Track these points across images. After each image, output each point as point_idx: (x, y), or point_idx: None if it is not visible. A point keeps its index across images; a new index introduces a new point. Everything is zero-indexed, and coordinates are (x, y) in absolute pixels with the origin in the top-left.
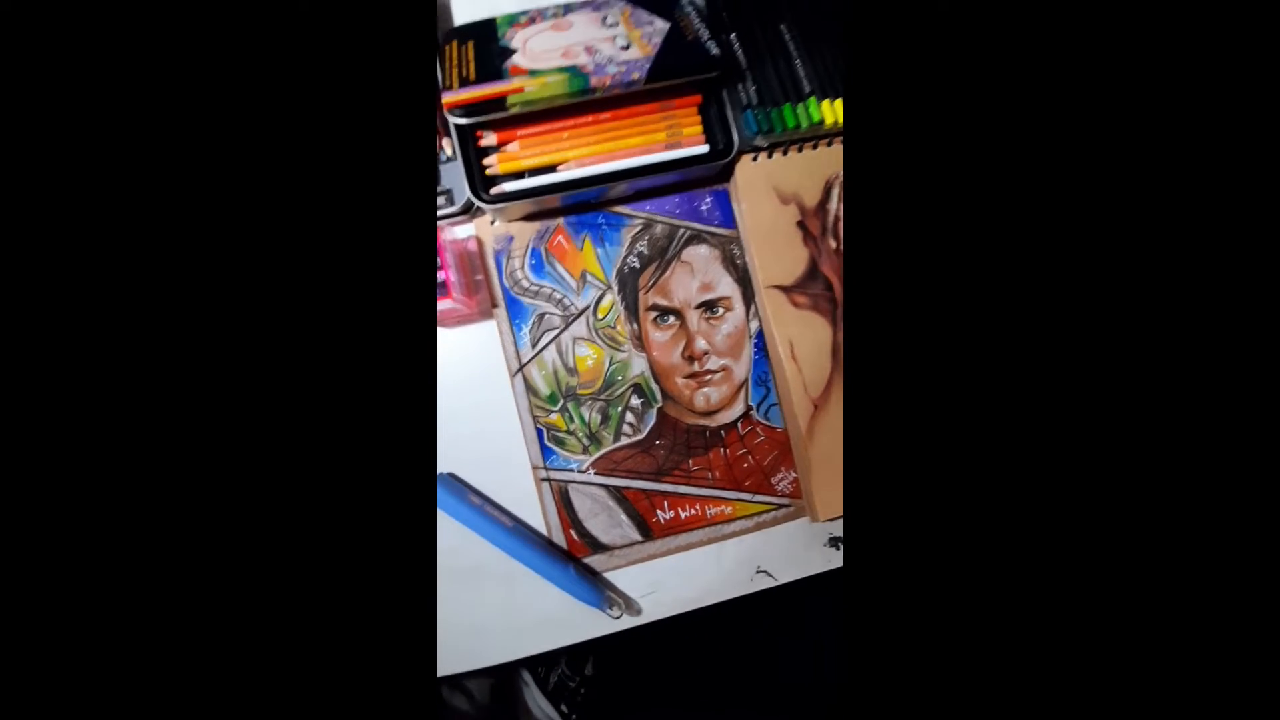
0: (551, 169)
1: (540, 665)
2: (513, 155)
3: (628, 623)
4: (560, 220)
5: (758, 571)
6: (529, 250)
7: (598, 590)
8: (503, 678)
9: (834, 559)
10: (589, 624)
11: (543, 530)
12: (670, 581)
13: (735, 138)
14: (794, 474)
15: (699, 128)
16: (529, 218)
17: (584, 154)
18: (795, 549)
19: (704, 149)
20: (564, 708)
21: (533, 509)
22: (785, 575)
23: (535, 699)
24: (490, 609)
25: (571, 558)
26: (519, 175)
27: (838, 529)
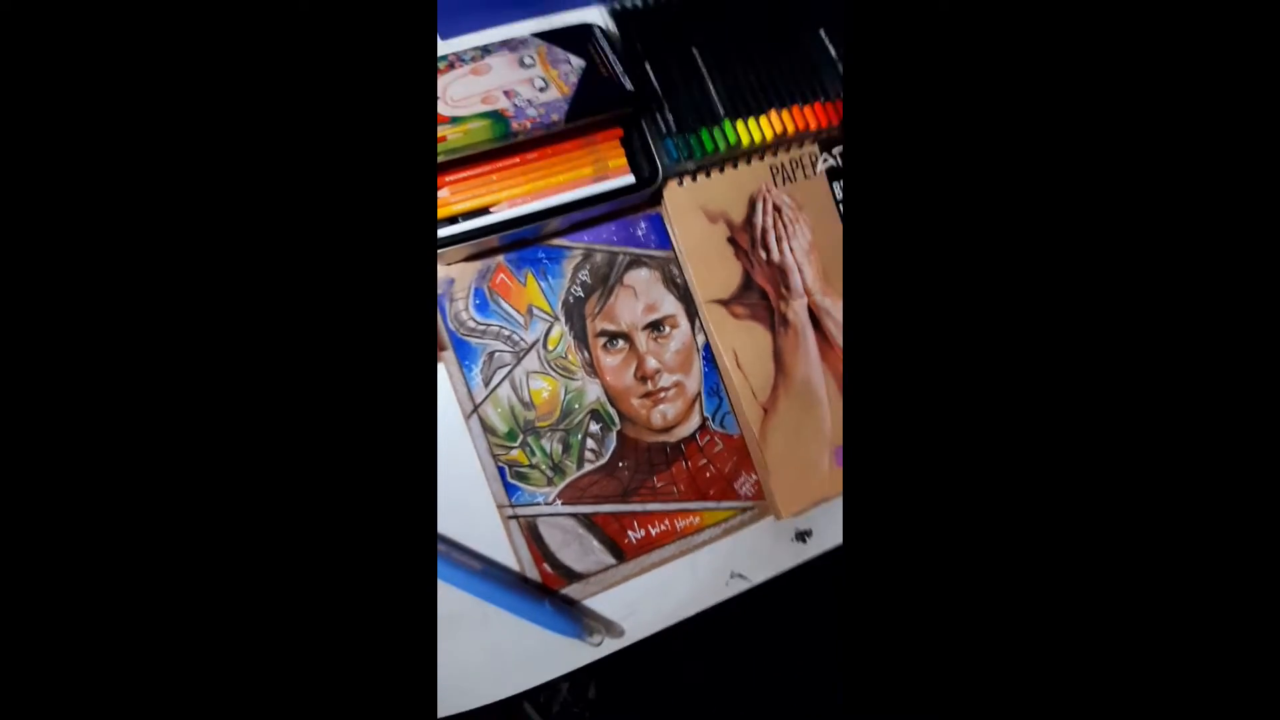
0: (484, 211)
1: (541, 694)
2: (444, 201)
3: (611, 647)
4: (500, 258)
5: (732, 576)
6: (472, 291)
7: (576, 621)
8: (504, 710)
9: (803, 553)
10: (572, 654)
11: (515, 568)
12: (648, 599)
13: (659, 166)
14: (754, 476)
15: (623, 160)
16: (468, 259)
17: (515, 194)
18: (764, 548)
19: (630, 180)
20: None
21: (502, 548)
22: (759, 575)
23: None
24: (468, 654)
25: (547, 592)
26: (452, 220)
27: (801, 523)
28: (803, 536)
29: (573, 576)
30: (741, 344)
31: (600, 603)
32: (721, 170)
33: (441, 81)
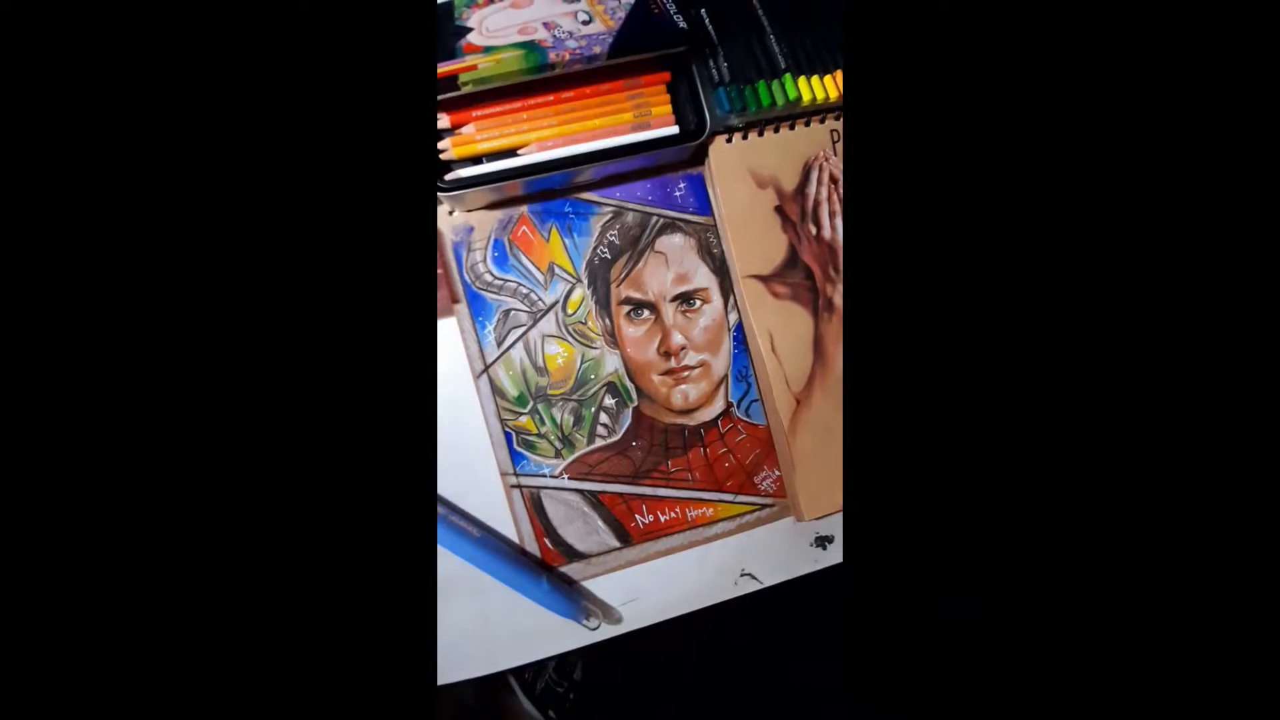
0: (511, 153)
1: (527, 670)
2: (468, 138)
3: (607, 633)
4: (524, 209)
5: (742, 574)
6: (491, 241)
7: (573, 601)
8: (488, 684)
9: (821, 559)
10: (566, 636)
11: (514, 539)
12: (651, 588)
13: (708, 117)
14: (777, 472)
15: (668, 107)
16: (490, 206)
17: (545, 136)
18: (780, 550)
19: (674, 130)
20: (552, 714)
21: (503, 518)
22: (771, 578)
23: (522, 705)
24: (459, 624)
25: (546, 568)
26: (476, 160)
27: (823, 527)
28: (823, 542)
29: (574, 555)
30: (779, 326)
31: (600, 585)
32: (776, 130)
33: (478, 14)
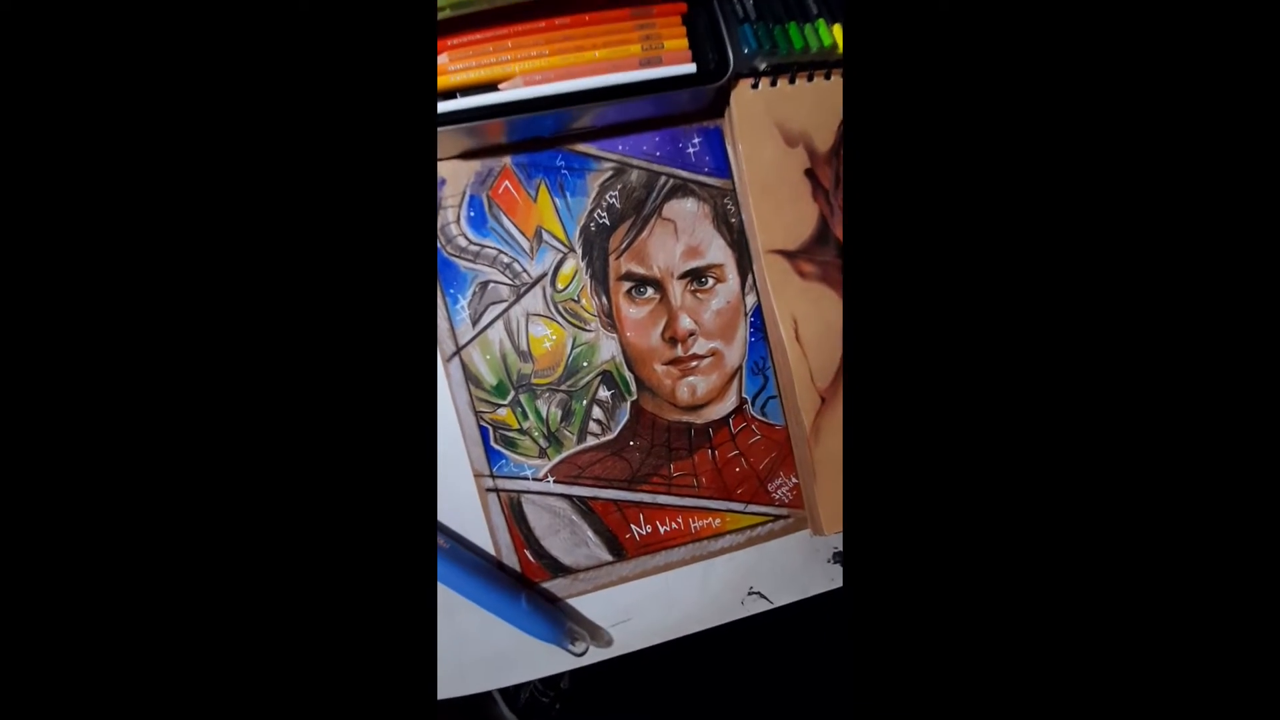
0: (491, 87)
1: None
2: (440, 68)
3: (595, 656)
4: (507, 160)
5: (750, 593)
6: (467, 199)
7: (557, 623)
8: (467, 695)
9: (837, 577)
10: (549, 659)
11: (490, 551)
12: (647, 607)
13: (730, 56)
14: (794, 480)
15: (684, 40)
16: (465, 155)
17: (534, 68)
18: (793, 567)
19: (690, 68)
20: None
21: (477, 526)
22: (782, 597)
23: (505, 716)
24: None
25: (526, 584)
26: (449, 95)
27: (841, 543)
28: (840, 559)
29: (558, 569)
30: (805, 312)
31: (589, 603)
32: (810, 79)
33: None
